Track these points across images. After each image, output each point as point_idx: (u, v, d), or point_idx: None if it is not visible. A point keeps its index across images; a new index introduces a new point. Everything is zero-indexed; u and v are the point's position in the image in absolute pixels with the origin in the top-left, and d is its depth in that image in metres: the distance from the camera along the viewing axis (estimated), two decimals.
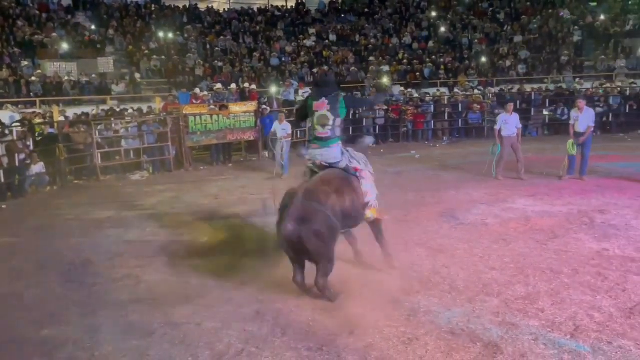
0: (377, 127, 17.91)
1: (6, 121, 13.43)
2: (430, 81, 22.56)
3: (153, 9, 25.32)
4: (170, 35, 23.53)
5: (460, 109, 18.54)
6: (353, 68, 23.04)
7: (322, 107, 5.43)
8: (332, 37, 25.70)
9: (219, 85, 17.50)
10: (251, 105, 15.19)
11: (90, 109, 16.33)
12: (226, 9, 27.89)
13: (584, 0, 27.11)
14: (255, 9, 27.97)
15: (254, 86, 18.77)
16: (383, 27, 26.96)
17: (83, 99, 18.25)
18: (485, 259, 6.09)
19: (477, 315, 4.66)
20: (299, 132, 15.47)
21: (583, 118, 10.35)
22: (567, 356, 3.96)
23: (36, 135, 12.64)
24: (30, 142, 11.97)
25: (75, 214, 9.31)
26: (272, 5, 28.95)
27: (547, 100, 18.78)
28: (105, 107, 16.72)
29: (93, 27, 22.62)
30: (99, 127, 13.17)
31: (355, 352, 4.14)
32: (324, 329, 4.53)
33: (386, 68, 23.03)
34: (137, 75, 20.32)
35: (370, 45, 25.17)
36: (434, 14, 27.75)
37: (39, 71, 18.98)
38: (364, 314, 4.74)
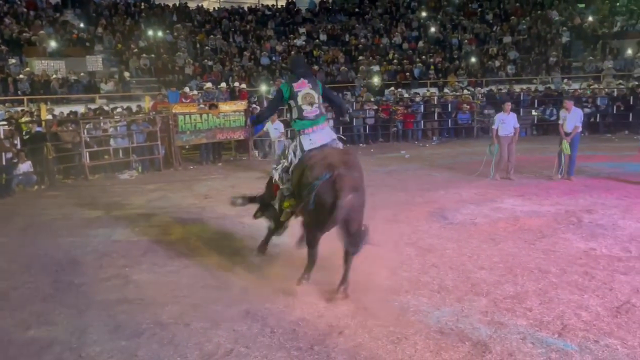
0: (367, 126, 17.96)
1: None
2: (420, 81, 22.60)
3: (142, 7, 25.15)
4: (160, 33, 23.40)
5: (449, 109, 18.62)
6: (343, 68, 23.05)
7: (303, 85, 5.28)
8: (323, 37, 25.69)
9: (209, 84, 17.44)
10: (241, 105, 15.16)
11: (79, 108, 16.21)
12: (216, 8, 27.76)
13: (572, 1, 27.32)
14: (246, 8, 27.88)
15: (244, 85, 18.73)
16: (373, 27, 26.99)
17: (71, 97, 18.10)
18: (474, 259, 6.12)
19: (465, 315, 4.68)
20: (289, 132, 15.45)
21: (571, 118, 10.45)
22: (555, 355, 3.99)
23: (23, 133, 12.52)
24: (17, 141, 11.88)
25: (62, 214, 9.23)
26: (262, 5, 28.87)
27: (536, 101, 18.94)
28: (94, 106, 16.59)
29: (82, 25, 22.41)
30: (87, 126, 13.07)
31: (345, 351, 4.14)
32: (314, 328, 4.53)
33: (376, 68, 23.06)
34: (126, 74, 20.17)
35: (361, 45, 25.19)
36: (424, 14, 27.81)
37: (27, 69, 18.80)
38: (353, 313, 4.75)
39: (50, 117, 13.95)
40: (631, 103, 17.85)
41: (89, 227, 8.20)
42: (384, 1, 29.14)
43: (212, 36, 24.21)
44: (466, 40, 25.45)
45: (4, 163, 11.02)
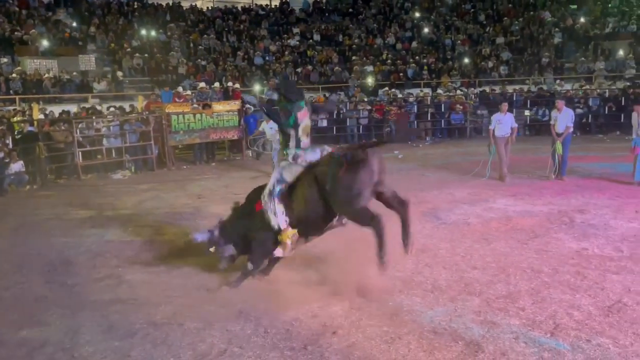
0: (361, 127, 17.99)
1: None
2: (414, 81, 22.64)
3: (136, 6, 25.05)
4: (153, 33, 23.32)
5: (443, 110, 18.67)
6: (337, 68, 23.05)
7: (305, 116, 5.32)
8: (316, 37, 25.68)
9: (202, 84, 17.40)
10: (235, 105, 15.14)
11: (72, 107, 16.13)
12: (210, 7, 27.71)
13: (564, 2, 27.46)
14: (239, 8, 27.83)
15: (237, 85, 18.69)
16: (367, 27, 27.02)
17: (64, 97, 18.01)
18: (467, 259, 6.14)
19: (458, 314, 4.70)
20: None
21: (562, 118, 10.50)
22: (547, 354, 4.01)
23: (15, 133, 12.45)
24: (9, 140, 11.81)
25: (55, 214, 9.19)
26: (256, 4, 28.84)
27: (529, 101, 19.02)
28: (87, 105, 16.52)
29: (74, 24, 22.29)
30: (80, 126, 13.01)
31: (338, 351, 4.15)
32: (307, 328, 4.53)
33: (370, 68, 23.09)
34: (119, 74, 20.10)
35: (354, 45, 25.20)
36: (417, 14, 27.84)
37: (19, 68, 18.68)
38: (346, 313, 4.75)
39: (42, 116, 13.88)
40: (623, 104, 17.93)
41: (81, 227, 8.16)
42: (377, 2, 29.18)
43: (205, 36, 24.16)
44: (459, 41, 25.52)
45: None
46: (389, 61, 23.79)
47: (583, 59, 23.22)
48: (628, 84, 19.81)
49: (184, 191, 10.75)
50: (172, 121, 13.69)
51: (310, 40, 25.28)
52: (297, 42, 24.90)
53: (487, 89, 21.09)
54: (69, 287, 5.72)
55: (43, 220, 8.77)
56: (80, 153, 12.64)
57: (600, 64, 22.46)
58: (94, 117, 13.88)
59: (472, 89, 21.30)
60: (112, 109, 15.48)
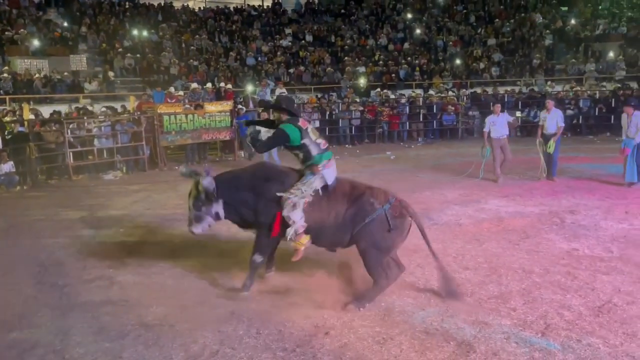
0: (353, 127, 18.02)
1: None
2: (406, 82, 22.71)
3: (127, 6, 24.96)
4: (145, 33, 23.22)
5: (434, 111, 18.72)
6: (329, 69, 23.07)
7: (306, 123, 5.31)
8: (309, 38, 25.70)
9: (195, 85, 17.34)
10: (227, 105, 15.11)
11: (63, 108, 16.02)
12: (202, 8, 27.66)
13: (555, 4, 27.65)
14: (231, 8, 27.81)
15: (229, 86, 18.66)
16: (359, 28, 27.07)
17: (55, 97, 17.89)
18: (459, 259, 6.17)
19: (450, 315, 4.72)
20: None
21: (551, 118, 10.56)
22: (538, 354, 4.04)
23: (6, 133, 12.35)
24: None
25: (46, 214, 9.13)
26: (248, 5, 28.82)
27: (520, 103, 19.12)
28: (78, 106, 16.42)
29: (65, 24, 22.16)
30: (71, 126, 12.94)
31: (331, 352, 4.15)
32: (300, 329, 4.53)
33: (362, 69, 23.12)
34: (111, 74, 19.96)
35: (347, 46, 25.24)
36: (409, 16, 27.95)
37: (8, 68, 18.53)
38: (339, 314, 4.76)
39: (32, 116, 13.78)
40: (613, 105, 18.07)
41: (72, 228, 8.12)
42: (369, 2, 29.27)
43: (197, 36, 24.09)
44: (451, 42, 25.65)
45: None
46: (381, 62, 23.86)
47: (574, 60, 23.40)
48: (618, 85, 19.98)
49: (175, 192, 10.68)
50: (164, 122, 13.63)
51: (303, 41, 25.29)
52: (290, 43, 24.89)
53: (479, 90, 21.19)
54: (60, 288, 5.68)
55: (34, 221, 8.71)
56: (71, 153, 12.56)
57: (591, 65, 22.64)
58: (85, 118, 13.78)
59: (464, 90, 21.39)
60: (103, 109, 15.39)
